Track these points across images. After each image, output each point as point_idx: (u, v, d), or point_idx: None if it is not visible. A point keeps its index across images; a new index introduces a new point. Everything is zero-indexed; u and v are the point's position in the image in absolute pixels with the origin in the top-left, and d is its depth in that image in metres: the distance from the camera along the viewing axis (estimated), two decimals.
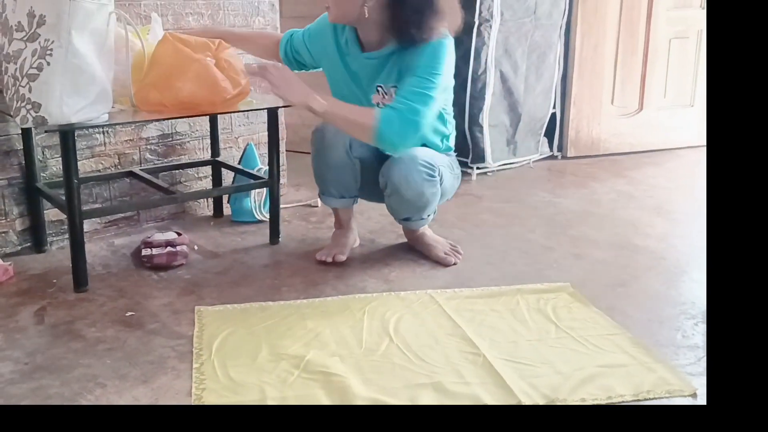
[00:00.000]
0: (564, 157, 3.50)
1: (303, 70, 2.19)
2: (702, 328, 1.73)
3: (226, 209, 2.56)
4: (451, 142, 2.12)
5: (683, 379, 1.48)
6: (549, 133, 3.47)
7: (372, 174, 2.04)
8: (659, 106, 3.62)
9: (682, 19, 3.56)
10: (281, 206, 2.36)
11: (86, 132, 2.20)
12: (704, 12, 3.61)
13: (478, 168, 3.16)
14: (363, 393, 1.40)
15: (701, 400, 1.41)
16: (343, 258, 2.10)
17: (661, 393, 1.43)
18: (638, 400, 1.41)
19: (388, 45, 1.89)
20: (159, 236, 2.13)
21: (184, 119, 2.44)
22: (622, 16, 3.42)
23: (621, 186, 3.03)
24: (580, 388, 1.44)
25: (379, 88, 1.97)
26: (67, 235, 2.06)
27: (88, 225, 2.22)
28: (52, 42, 1.66)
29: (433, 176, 1.95)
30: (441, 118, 2.02)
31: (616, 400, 1.40)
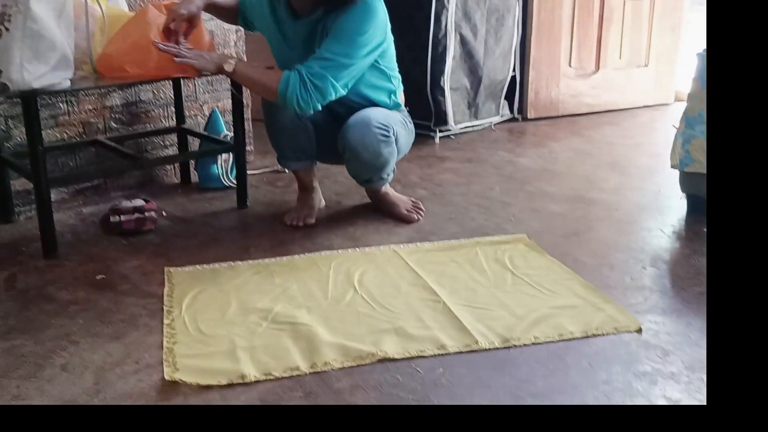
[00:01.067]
0: (524, 119, 3.59)
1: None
2: (650, 271, 1.83)
3: (194, 177, 2.59)
4: (400, 98, 2.17)
5: (630, 317, 1.58)
6: (509, 96, 3.54)
7: (328, 135, 2.08)
8: (615, 67, 3.71)
9: None
10: (248, 172, 2.40)
11: (49, 101, 2.21)
12: None
13: (440, 131, 3.23)
14: (328, 339, 1.47)
15: (646, 335, 1.51)
16: (312, 221, 2.15)
17: (608, 330, 1.53)
18: (587, 337, 1.50)
19: (318, 10, 1.91)
20: (127, 203, 2.16)
21: (148, 87, 2.45)
22: None
23: (578, 144, 3.13)
24: (534, 327, 1.53)
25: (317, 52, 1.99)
26: (34, 205, 2.08)
27: (55, 195, 2.23)
28: (11, 8, 1.67)
29: (388, 137, 2.01)
30: (384, 75, 2.07)
31: (566, 338, 1.50)
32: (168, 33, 1.93)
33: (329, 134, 2.08)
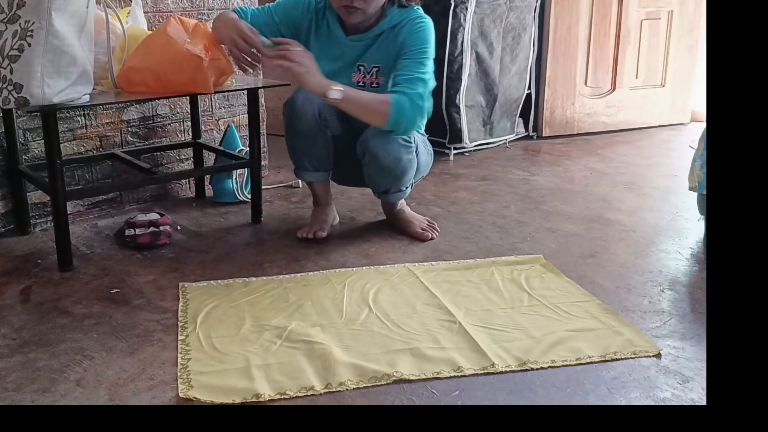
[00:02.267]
0: (539, 137, 3.58)
1: None
2: (668, 294, 1.81)
3: (208, 191, 2.60)
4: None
5: (648, 341, 1.56)
6: (524, 114, 3.54)
7: (346, 153, 2.08)
8: (631, 86, 3.70)
9: (653, 0, 3.63)
10: (263, 187, 2.40)
11: (67, 114, 2.22)
12: None
13: (455, 148, 3.22)
14: (343, 359, 1.46)
15: (665, 360, 1.49)
16: (323, 234, 2.14)
17: (627, 354, 1.51)
18: (605, 361, 1.48)
19: (376, 27, 1.94)
20: (142, 217, 2.17)
21: (165, 102, 2.47)
22: None
23: (594, 163, 3.11)
24: (551, 350, 1.51)
25: (361, 68, 2.02)
26: (50, 217, 2.09)
27: (71, 207, 2.24)
28: (33, 23, 1.68)
29: (409, 143, 2.01)
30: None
31: (584, 361, 1.48)
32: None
33: (349, 152, 2.08)
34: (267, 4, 2.10)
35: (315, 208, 2.26)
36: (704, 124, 2.18)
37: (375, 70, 2.00)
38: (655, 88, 3.78)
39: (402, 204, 2.23)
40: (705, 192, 2.11)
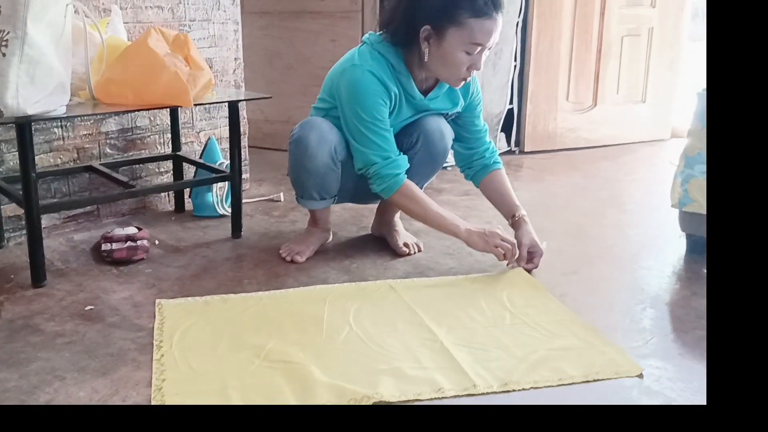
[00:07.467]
0: (521, 152, 3.58)
1: None
2: (650, 312, 1.80)
3: (188, 204, 2.56)
4: None
5: (631, 361, 1.54)
6: (506, 129, 3.54)
7: (348, 176, 2.05)
8: (612, 102, 3.72)
9: (634, 16, 3.67)
10: (243, 201, 2.37)
11: (44, 126, 2.18)
12: (655, 10, 3.73)
13: None
14: (323, 379, 1.43)
15: (648, 380, 1.48)
16: (301, 260, 2.08)
17: (609, 374, 1.49)
18: (587, 381, 1.47)
19: (441, 82, 2.01)
20: (119, 231, 2.13)
21: (144, 114, 2.43)
22: (577, 13, 3.51)
23: (576, 179, 3.12)
24: (533, 370, 1.49)
25: (446, 113, 2.12)
26: (24, 231, 2.04)
27: (46, 220, 2.20)
28: (8, 33, 1.65)
29: (450, 142, 2.14)
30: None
31: (566, 382, 1.46)
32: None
33: (350, 175, 2.06)
34: (372, 121, 1.93)
35: (309, 226, 2.22)
36: (684, 141, 2.19)
37: (456, 113, 2.12)
38: (635, 104, 3.81)
39: (399, 214, 2.22)
40: (685, 209, 2.12)
